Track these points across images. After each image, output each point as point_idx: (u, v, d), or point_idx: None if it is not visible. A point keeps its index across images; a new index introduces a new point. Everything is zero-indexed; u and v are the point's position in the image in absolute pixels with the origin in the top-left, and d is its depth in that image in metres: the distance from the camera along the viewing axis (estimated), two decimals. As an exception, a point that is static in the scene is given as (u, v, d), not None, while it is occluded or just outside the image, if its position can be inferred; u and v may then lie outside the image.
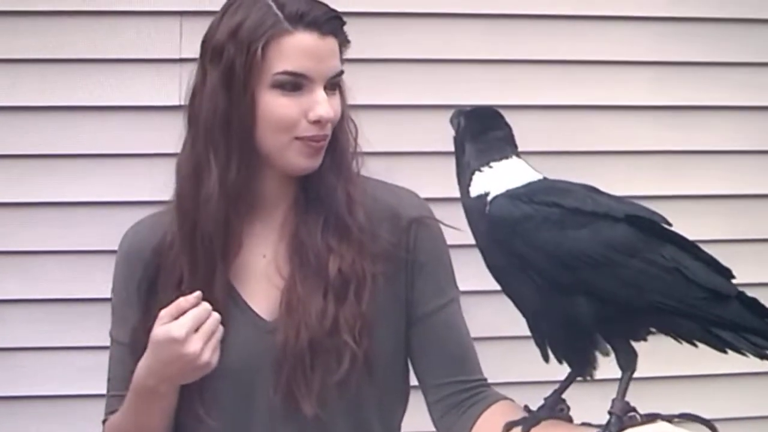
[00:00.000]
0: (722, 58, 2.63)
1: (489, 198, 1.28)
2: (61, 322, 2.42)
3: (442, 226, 1.52)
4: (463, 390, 1.45)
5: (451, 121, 1.38)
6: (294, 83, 1.36)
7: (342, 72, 1.43)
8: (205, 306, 1.32)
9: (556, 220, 1.23)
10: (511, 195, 1.26)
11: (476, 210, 1.29)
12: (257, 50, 1.34)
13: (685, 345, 1.26)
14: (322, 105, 1.37)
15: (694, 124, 2.63)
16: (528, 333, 1.31)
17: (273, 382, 1.40)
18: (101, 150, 2.44)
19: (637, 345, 1.27)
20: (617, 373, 1.25)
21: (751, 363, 1.20)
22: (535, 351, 1.29)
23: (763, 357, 1.25)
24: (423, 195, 1.56)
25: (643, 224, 1.25)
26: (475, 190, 1.30)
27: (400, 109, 2.51)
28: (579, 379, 1.30)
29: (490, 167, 1.30)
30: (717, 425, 1.25)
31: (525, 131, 2.46)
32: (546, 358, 1.29)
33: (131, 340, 1.45)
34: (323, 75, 1.38)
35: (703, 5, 2.62)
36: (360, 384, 1.41)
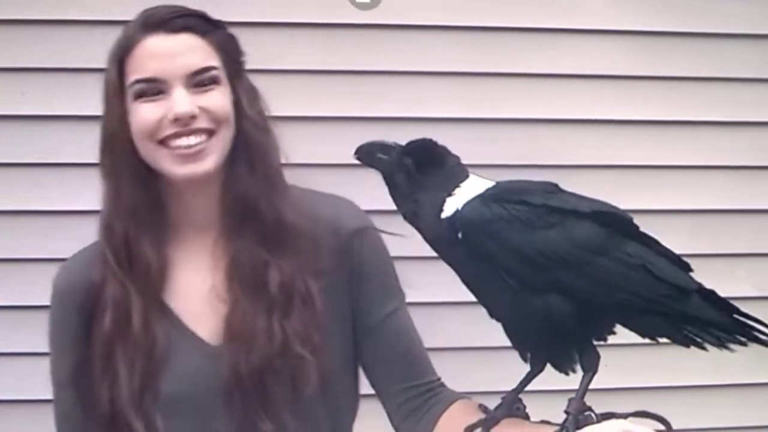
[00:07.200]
0: (691, 73, 2.64)
1: (460, 207, 1.26)
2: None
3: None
4: (420, 393, 1.45)
5: (371, 156, 1.33)
6: (151, 89, 1.33)
7: (211, 68, 1.35)
8: None
9: (525, 218, 1.23)
10: (482, 197, 1.26)
11: (447, 229, 1.27)
12: (116, 67, 1.35)
13: (641, 356, 1.26)
14: (178, 102, 1.32)
15: (663, 138, 2.64)
16: (497, 344, 1.31)
17: (228, 409, 1.36)
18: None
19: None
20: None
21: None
22: (505, 361, 1.30)
23: (723, 347, 1.28)
24: (365, 207, 1.51)
25: (608, 220, 1.26)
26: (447, 212, 1.28)
27: (362, 121, 2.45)
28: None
29: (460, 187, 1.29)
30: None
31: (490, 144, 2.47)
32: (525, 359, 1.29)
33: (74, 375, 1.40)
34: (177, 73, 1.33)
35: (669, 21, 2.62)
36: (314, 399, 1.39)
